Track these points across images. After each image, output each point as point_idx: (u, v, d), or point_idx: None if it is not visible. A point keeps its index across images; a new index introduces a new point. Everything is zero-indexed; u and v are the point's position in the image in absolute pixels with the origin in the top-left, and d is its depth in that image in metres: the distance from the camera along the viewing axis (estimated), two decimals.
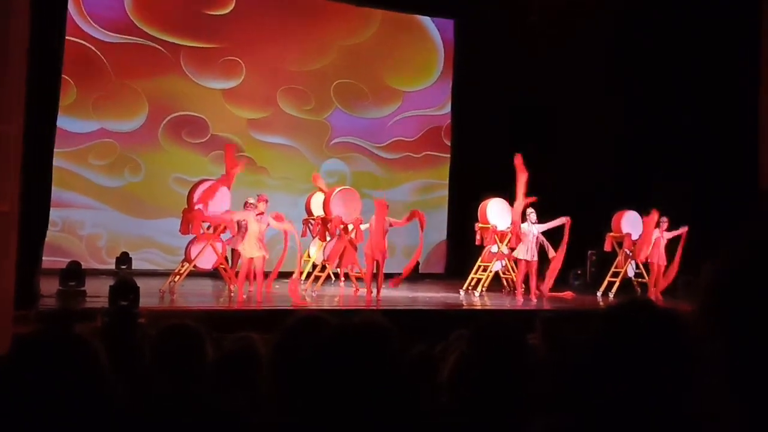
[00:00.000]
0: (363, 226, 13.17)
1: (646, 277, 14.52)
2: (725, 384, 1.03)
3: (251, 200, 12.08)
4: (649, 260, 14.25)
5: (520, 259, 13.78)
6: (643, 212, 14.37)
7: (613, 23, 15.72)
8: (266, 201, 12.11)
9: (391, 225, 12.80)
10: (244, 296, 11.82)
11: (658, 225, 14.10)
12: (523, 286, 14.02)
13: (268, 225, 12.02)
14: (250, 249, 11.77)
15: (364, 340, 1.55)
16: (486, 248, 14.43)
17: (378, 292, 12.63)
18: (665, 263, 14.10)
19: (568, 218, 13.73)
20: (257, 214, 11.88)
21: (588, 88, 15.74)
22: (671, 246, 14.21)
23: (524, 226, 13.72)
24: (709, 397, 1.07)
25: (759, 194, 13.94)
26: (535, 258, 13.70)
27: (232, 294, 12.02)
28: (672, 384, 1.60)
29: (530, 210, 13.72)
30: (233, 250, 12.88)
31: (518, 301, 13.51)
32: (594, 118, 15.92)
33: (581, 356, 1.74)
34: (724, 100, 14.74)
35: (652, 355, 1.64)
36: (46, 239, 11.28)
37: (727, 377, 1.03)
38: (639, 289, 14.68)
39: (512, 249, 14.22)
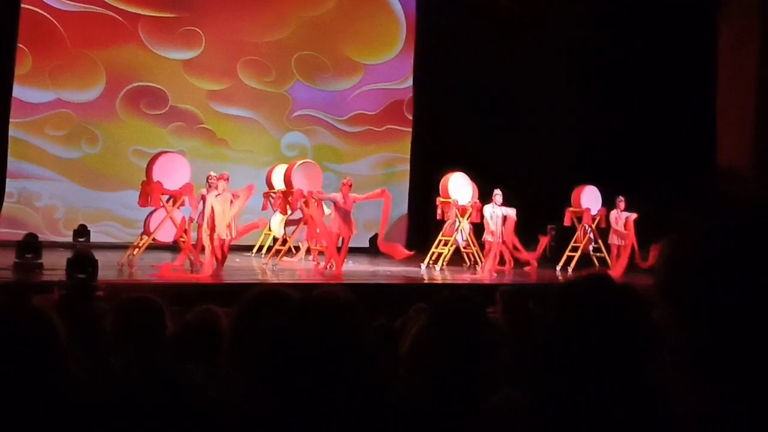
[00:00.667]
0: (324, 197, 13.14)
1: (605, 252, 14.68)
2: (684, 363, 1.05)
3: (213, 174, 11.88)
4: (609, 241, 14.34)
5: (489, 241, 13.74)
6: (605, 191, 14.50)
7: (580, 4, 15.78)
8: (227, 179, 11.82)
9: (354, 201, 12.79)
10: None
11: (615, 205, 14.19)
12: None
13: (232, 203, 11.78)
14: (219, 230, 11.58)
15: (327, 313, 1.55)
16: (447, 222, 14.48)
17: (338, 266, 12.64)
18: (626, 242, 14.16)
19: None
20: (217, 195, 11.63)
21: (550, 63, 15.80)
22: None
23: (488, 207, 13.69)
24: (671, 375, 1.09)
25: (715, 170, 14.20)
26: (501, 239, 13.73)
27: (196, 265, 11.88)
28: (629, 358, 1.63)
29: (496, 191, 13.68)
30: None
31: (491, 275, 13.38)
32: (555, 93, 16.01)
33: (540, 330, 1.76)
34: (685, 81, 14.93)
35: (610, 329, 1.66)
36: (2, 211, 11.11)
37: (685, 356, 1.05)
38: (597, 263, 14.83)
39: (474, 224, 14.35)
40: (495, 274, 13.44)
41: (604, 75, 15.89)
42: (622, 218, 14.09)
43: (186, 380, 2.78)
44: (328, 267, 12.75)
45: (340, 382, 1.50)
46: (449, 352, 2.56)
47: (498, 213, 13.63)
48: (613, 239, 14.20)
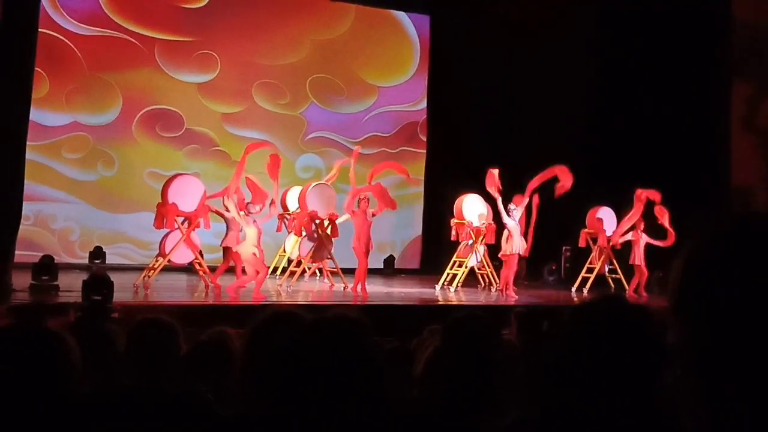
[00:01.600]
0: (340, 220, 13.20)
1: (620, 274, 14.58)
2: (696, 381, 1.04)
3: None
4: (630, 262, 14.15)
5: (513, 254, 13.40)
6: (619, 209, 14.45)
7: (591, 19, 15.80)
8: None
9: (373, 215, 12.76)
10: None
11: (635, 227, 14.05)
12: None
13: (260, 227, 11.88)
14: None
15: (338, 334, 1.55)
16: (461, 244, 14.45)
17: (355, 285, 12.62)
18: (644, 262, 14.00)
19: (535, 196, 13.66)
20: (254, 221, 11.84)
21: (564, 85, 15.82)
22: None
23: (511, 221, 13.45)
24: (683, 395, 1.09)
25: (730, 191, 14.12)
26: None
27: (209, 290, 11.93)
28: (642, 379, 1.62)
29: (512, 206, 13.51)
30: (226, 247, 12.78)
31: (511, 297, 13.23)
32: (569, 114, 16.01)
33: (553, 351, 1.75)
34: (698, 99, 14.89)
35: (623, 350, 1.65)
36: (19, 233, 11.15)
37: (691, 371, 1.04)
38: (613, 284, 14.76)
39: (488, 245, 14.31)
40: (515, 294, 13.21)
41: (618, 92, 15.86)
42: (643, 240, 13.91)
43: (199, 401, 2.78)
44: (358, 289, 12.64)
45: (352, 403, 1.50)
46: (462, 373, 2.55)
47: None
48: (634, 259, 13.99)
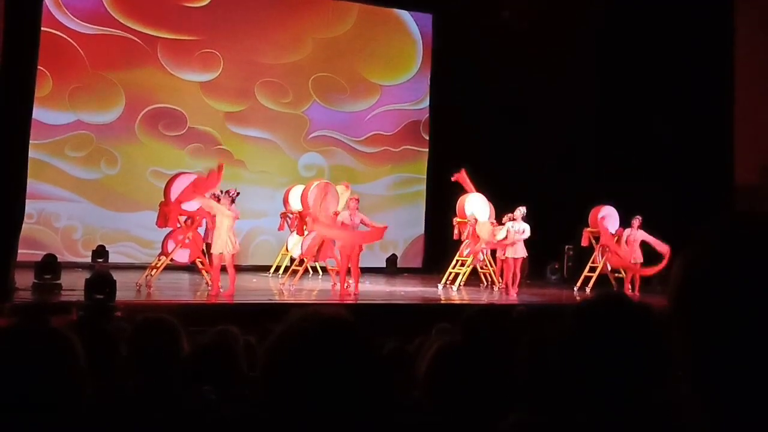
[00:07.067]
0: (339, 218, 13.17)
1: (623, 273, 14.57)
2: (689, 379, 1.05)
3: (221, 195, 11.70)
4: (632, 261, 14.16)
5: (510, 258, 13.69)
6: (620, 208, 14.44)
7: (593, 17, 15.78)
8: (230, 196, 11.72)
9: (362, 221, 12.64)
10: (221, 289, 11.52)
11: (630, 224, 14.09)
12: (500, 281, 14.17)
13: (236, 218, 11.62)
14: (219, 245, 11.42)
15: (325, 334, 1.53)
16: (464, 243, 14.45)
17: (356, 285, 12.58)
18: (641, 261, 14.05)
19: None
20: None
21: (565, 83, 15.80)
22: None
23: (516, 225, 13.58)
24: (684, 394, 1.09)
25: (733, 188, 14.09)
26: (525, 254, 13.78)
27: (209, 287, 11.91)
28: (644, 378, 1.62)
29: (520, 207, 13.61)
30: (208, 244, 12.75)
31: (511, 296, 13.42)
32: (570, 113, 16.00)
33: (555, 351, 1.75)
34: (701, 97, 14.87)
35: (625, 349, 1.65)
36: (22, 232, 11.16)
37: (690, 372, 1.05)
38: (615, 283, 14.74)
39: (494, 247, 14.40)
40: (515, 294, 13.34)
41: (619, 91, 15.84)
42: (637, 238, 13.93)
43: (201, 401, 2.79)
44: (346, 288, 12.68)
45: (343, 405, 1.49)
46: (476, 372, 2.52)
47: (517, 228, 13.55)
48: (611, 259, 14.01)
